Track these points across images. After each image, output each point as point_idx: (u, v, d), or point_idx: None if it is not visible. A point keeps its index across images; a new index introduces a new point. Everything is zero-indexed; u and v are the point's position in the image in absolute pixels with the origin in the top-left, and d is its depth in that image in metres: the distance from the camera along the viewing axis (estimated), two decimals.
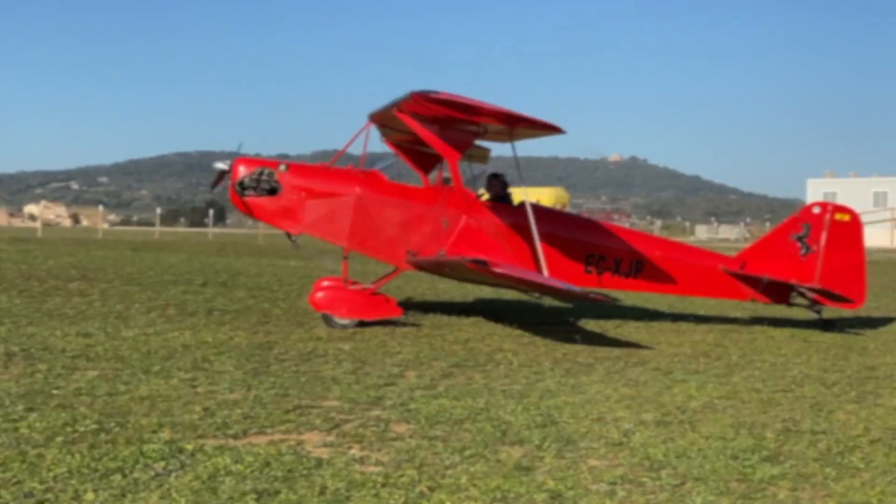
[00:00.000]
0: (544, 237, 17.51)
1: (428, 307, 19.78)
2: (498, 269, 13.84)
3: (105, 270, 27.29)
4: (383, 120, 17.22)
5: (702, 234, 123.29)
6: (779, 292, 18.70)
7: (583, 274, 17.86)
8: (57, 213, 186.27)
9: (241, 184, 17.00)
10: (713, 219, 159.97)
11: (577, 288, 14.39)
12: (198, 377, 11.29)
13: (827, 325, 18.72)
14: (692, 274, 18.45)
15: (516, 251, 17.18)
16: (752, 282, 18.52)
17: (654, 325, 18.75)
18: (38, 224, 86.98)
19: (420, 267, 17.05)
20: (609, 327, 18.11)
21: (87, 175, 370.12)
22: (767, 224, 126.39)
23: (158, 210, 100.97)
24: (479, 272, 14.28)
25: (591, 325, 18.48)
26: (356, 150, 17.63)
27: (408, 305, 20.02)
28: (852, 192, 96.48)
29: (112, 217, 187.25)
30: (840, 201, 29.48)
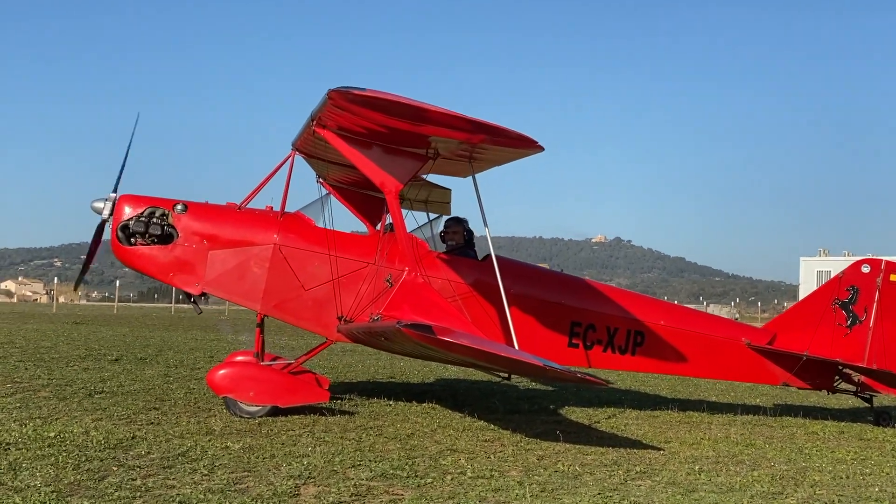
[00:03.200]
0: (517, 299, 13.59)
1: (375, 390, 15.77)
2: (445, 338, 9.81)
3: (13, 344, 23.36)
4: (308, 147, 13.33)
5: None
6: (820, 374, 14.64)
7: (566, 348, 13.88)
8: (33, 290, 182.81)
9: (126, 228, 13.06)
10: (701, 298, 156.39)
11: (554, 365, 10.32)
12: None
13: (881, 418, 14.67)
14: (708, 349, 14.42)
15: (480, 317, 13.22)
16: (786, 360, 14.49)
17: (657, 415, 14.73)
18: (13, 300, 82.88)
19: (353, 337, 13.03)
20: (600, 417, 14.09)
21: (70, 252, 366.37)
22: (759, 304, 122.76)
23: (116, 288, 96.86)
24: (419, 342, 10.26)
25: (577, 414, 14.46)
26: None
27: (350, 387, 16.02)
28: None
29: (94, 294, 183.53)
30: None
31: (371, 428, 11.84)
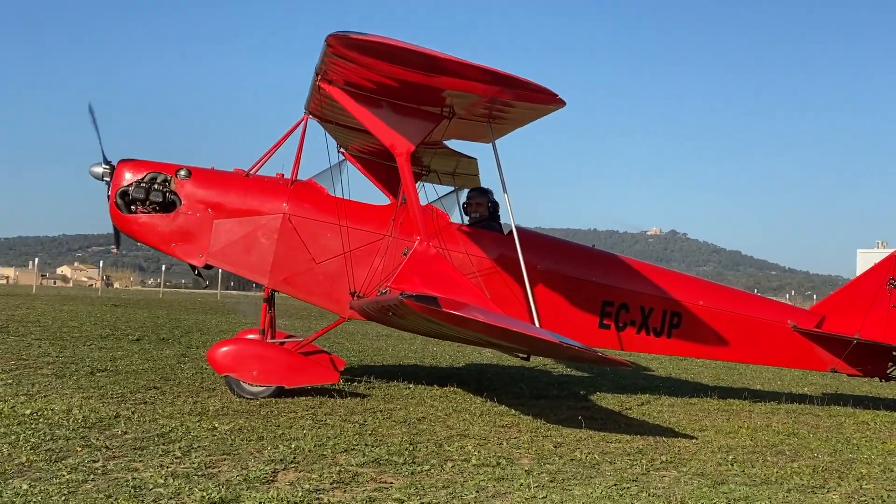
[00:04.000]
0: (543, 276, 12.62)
1: (397, 373, 14.87)
2: (451, 311, 8.85)
3: (38, 324, 22.72)
4: (321, 110, 12.41)
5: None
6: (872, 360, 13.46)
7: (596, 329, 12.87)
8: (88, 276, 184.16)
9: (125, 194, 12.25)
10: (756, 291, 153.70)
11: (571, 342, 9.29)
12: None
13: None
14: (750, 332, 13.30)
15: (504, 295, 12.25)
16: (835, 345, 13.35)
17: (694, 402, 13.68)
18: (69, 284, 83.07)
19: (365, 314, 12.11)
20: (632, 404, 13.08)
21: (127, 240, 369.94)
22: (815, 297, 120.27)
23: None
24: (424, 315, 9.30)
25: (607, 400, 13.46)
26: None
27: (371, 370, 15.14)
28: None
29: (150, 281, 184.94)
30: None
31: (380, 411, 10.95)
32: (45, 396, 10.73)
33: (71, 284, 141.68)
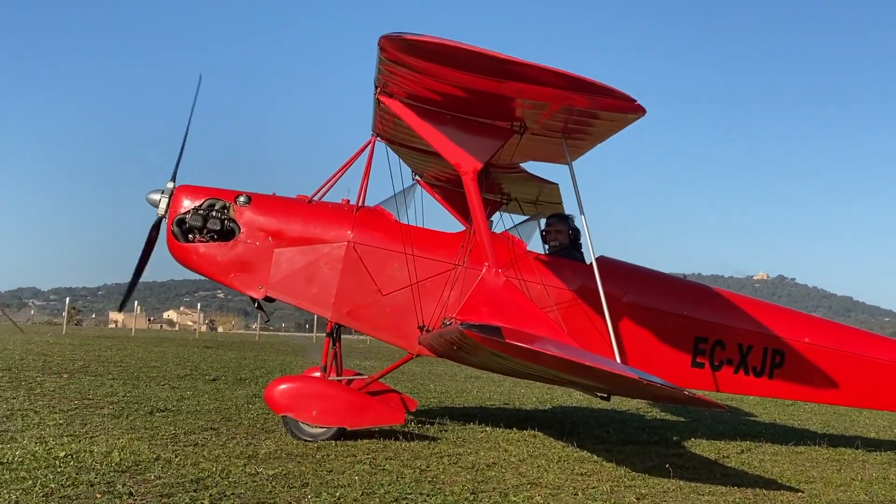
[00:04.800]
0: (629, 309, 11.56)
1: (475, 415, 13.89)
2: (515, 342, 7.85)
3: (120, 364, 22.37)
4: (389, 131, 11.58)
5: None
6: None
7: (688, 368, 11.71)
8: (193, 320, 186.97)
9: (182, 222, 11.54)
10: None
11: (654, 379, 8.21)
12: None
13: None
14: (864, 373, 11.94)
15: (586, 330, 11.21)
16: None
17: (801, 451, 12.41)
18: (174, 328, 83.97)
19: (434, 350, 11.16)
20: (730, 452, 11.88)
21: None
22: None
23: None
24: (486, 346, 8.32)
25: (703, 447, 12.28)
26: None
27: (450, 411, 14.20)
28: None
29: (254, 325, 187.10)
30: None
31: (447, 455, 9.98)
32: (91, 437, 10.00)
33: (176, 328, 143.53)
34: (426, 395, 17.64)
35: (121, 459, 8.60)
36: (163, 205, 11.59)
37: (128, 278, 12.12)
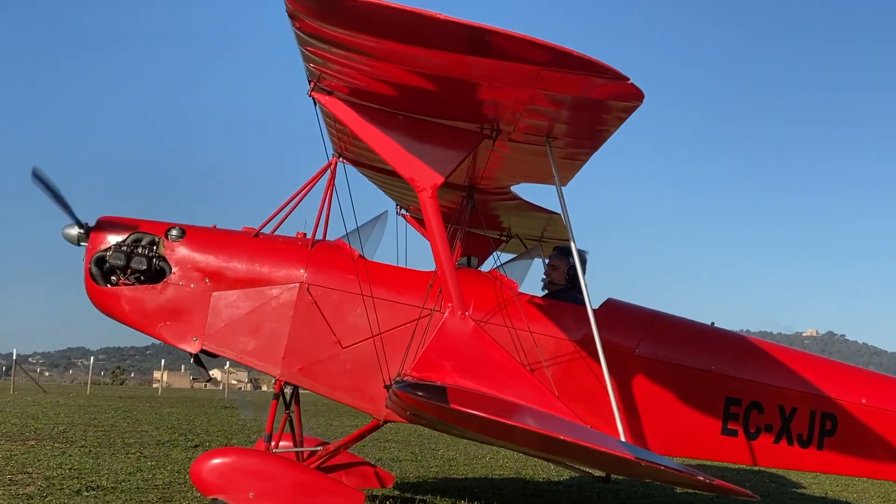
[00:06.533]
0: (644, 363, 9.41)
1: (476, 489, 11.81)
2: (467, 410, 5.74)
3: (103, 428, 20.53)
4: (355, 150, 9.63)
5: None
6: None
7: (718, 436, 9.48)
8: (238, 378, 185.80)
9: (101, 261, 9.60)
10: None
11: (656, 458, 6.07)
12: None
13: None
14: None
15: (591, 389, 9.06)
16: None
17: None
18: (219, 387, 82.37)
19: (400, 413, 9.05)
20: None
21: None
22: None
23: None
24: (428, 413, 6.26)
25: None
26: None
27: (447, 485, 12.16)
28: None
29: None
30: None
31: None
32: None
33: (220, 387, 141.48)
34: (429, 462, 15.63)
35: None
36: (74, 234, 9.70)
37: None
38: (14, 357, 52.77)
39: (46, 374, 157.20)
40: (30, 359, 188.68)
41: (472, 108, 7.58)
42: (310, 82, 7.75)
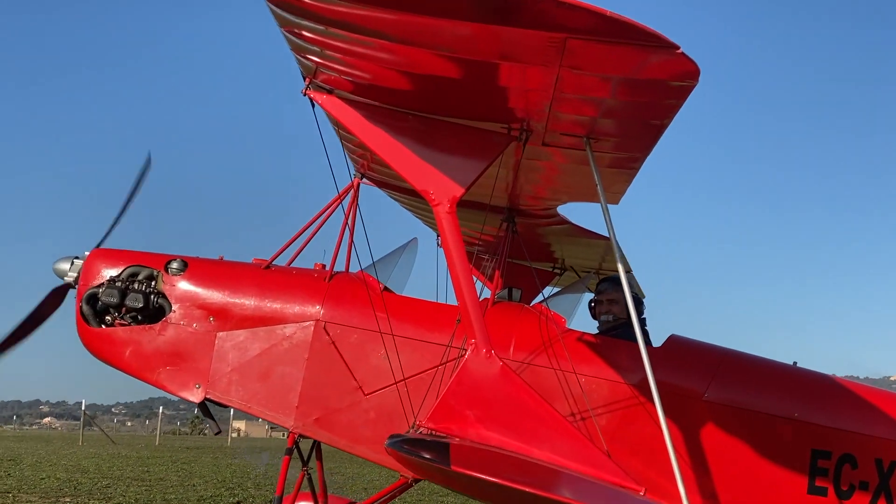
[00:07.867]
0: (712, 410, 8.03)
1: None
2: (463, 470, 4.51)
3: (157, 483, 19.71)
4: (379, 167, 8.49)
5: None
6: None
7: (804, 496, 8.01)
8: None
9: (93, 299, 8.52)
10: None
11: None
12: None
13: None
14: None
15: (647, 440, 7.72)
16: None
17: None
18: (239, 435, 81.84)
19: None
20: None
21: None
22: None
23: None
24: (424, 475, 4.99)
25: None
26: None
27: None
28: None
29: None
30: None
31: None
32: None
33: (242, 435, 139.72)
34: None
35: None
36: (71, 276, 8.65)
37: None
38: (83, 407, 52.57)
39: (128, 423, 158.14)
40: (112, 409, 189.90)
41: (496, 102, 6.31)
42: (304, 78, 6.54)
